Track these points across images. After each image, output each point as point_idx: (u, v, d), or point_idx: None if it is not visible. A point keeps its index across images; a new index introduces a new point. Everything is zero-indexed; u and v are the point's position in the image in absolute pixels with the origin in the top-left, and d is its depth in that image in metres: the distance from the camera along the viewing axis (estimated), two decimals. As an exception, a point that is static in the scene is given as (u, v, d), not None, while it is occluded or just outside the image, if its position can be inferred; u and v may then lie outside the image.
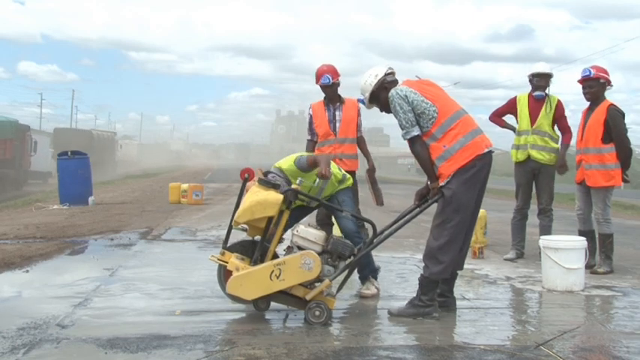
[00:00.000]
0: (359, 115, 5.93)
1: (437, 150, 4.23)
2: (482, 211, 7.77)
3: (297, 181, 4.31)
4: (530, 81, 6.66)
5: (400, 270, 6.17)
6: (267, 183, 4.30)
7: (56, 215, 11.24)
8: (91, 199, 13.62)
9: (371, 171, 5.87)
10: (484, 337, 3.85)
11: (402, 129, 4.29)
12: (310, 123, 6.01)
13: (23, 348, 3.48)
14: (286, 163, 4.66)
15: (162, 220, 10.37)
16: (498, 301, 4.98)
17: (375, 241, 4.43)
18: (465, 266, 6.32)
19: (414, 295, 4.36)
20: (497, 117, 6.93)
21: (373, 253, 6.18)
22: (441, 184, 4.21)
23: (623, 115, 6.02)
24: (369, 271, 5.04)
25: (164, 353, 3.44)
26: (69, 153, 14.54)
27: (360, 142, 6.01)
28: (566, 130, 6.63)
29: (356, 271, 5.06)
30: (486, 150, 4.23)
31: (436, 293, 4.31)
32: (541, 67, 6.63)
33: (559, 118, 6.58)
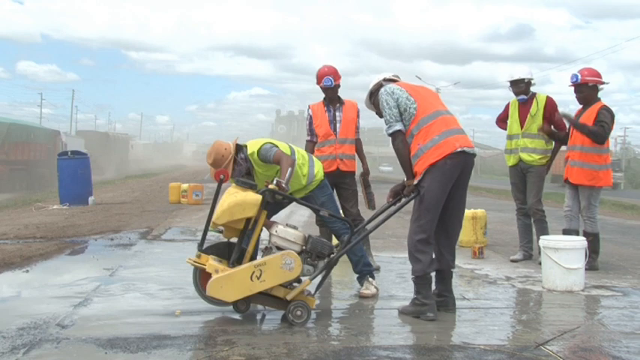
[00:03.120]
0: (358, 116, 5.97)
1: (413, 148, 4.29)
2: (482, 211, 7.79)
3: (274, 181, 4.27)
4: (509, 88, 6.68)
5: (400, 270, 6.16)
6: (244, 184, 4.29)
7: (56, 215, 11.24)
8: (91, 199, 13.62)
9: (365, 174, 5.90)
10: (484, 337, 3.85)
11: (386, 124, 4.37)
12: (310, 124, 6.03)
13: (23, 348, 3.48)
14: (252, 147, 4.62)
15: (162, 220, 10.37)
16: (498, 301, 4.98)
17: (352, 240, 4.44)
18: (465, 266, 6.37)
19: (414, 295, 4.37)
20: (500, 122, 7.00)
21: (373, 252, 6.23)
22: (415, 182, 4.25)
23: (612, 115, 6.07)
24: (362, 266, 5.00)
25: (164, 353, 3.44)
26: (69, 153, 14.54)
27: (357, 145, 6.03)
28: (560, 127, 6.53)
29: (352, 271, 5.06)
30: (459, 149, 4.20)
31: (430, 291, 4.30)
32: (509, 75, 6.61)
33: (552, 114, 6.49)
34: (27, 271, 5.85)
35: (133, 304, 4.64)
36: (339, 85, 5.94)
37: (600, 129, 5.99)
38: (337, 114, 5.95)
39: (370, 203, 5.82)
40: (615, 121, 6.17)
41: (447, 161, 4.17)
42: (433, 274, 4.45)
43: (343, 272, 5.74)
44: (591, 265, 5.91)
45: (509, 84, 6.63)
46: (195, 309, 4.40)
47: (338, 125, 5.91)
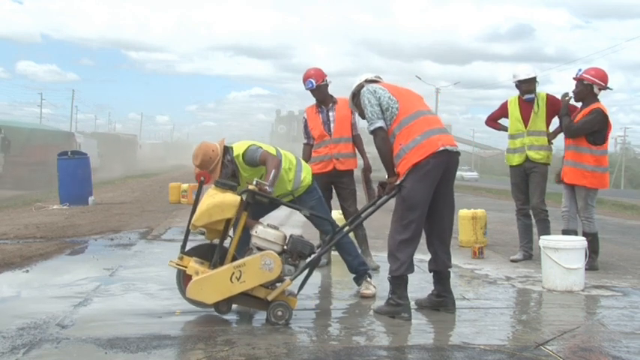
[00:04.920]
0: (352, 113, 5.94)
1: (395, 148, 4.28)
2: (482, 211, 7.79)
3: (254, 182, 4.24)
4: (518, 87, 6.61)
5: (400, 270, 6.15)
6: (223, 185, 4.25)
7: (56, 215, 11.23)
8: (91, 199, 13.62)
9: (366, 170, 5.88)
10: (484, 337, 3.85)
11: (368, 122, 4.37)
12: (305, 127, 6.05)
13: (23, 348, 3.48)
14: (237, 149, 4.59)
15: (162, 220, 10.37)
16: (498, 301, 4.98)
17: (334, 238, 4.46)
18: (465, 266, 6.37)
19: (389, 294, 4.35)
20: (492, 121, 6.99)
21: (373, 252, 6.22)
22: (397, 182, 4.24)
23: (601, 117, 6.02)
24: (358, 266, 4.98)
25: (164, 353, 3.44)
26: (69, 153, 14.54)
27: (357, 141, 6.02)
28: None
29: (348, 272, 5.05)
30: (442, 148, 4.19)
31: (405, 291, 4.27)
32: (525, 73, 6.56)
33: (555, 109, 6.46)
34: (27, 271, 5.85)
35: (133, 304, 4.63)
36: (325, 85, 5.90)
37: (568, 121, 6.12)
38: (330, 114, 5.94)
39: (371, 199, 5.79)
40: (611, 124, 6.14)
41: (429, 161, 4.15)
42: (432, 275, 4.44)
43: (343, 272, 5.73)
44: (591, 265, 5.91)
45: (518, 82, 6.58)
46: (195, 309, 4.40)
47: (332, 125, 5.91)
